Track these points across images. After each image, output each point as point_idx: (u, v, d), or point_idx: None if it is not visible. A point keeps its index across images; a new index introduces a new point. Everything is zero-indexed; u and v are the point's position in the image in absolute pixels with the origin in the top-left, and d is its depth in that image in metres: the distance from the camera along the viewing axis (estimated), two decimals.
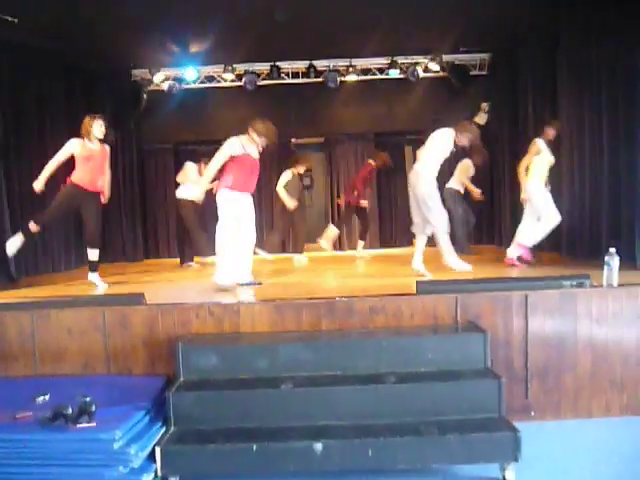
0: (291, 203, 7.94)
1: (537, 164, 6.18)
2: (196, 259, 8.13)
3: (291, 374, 3.72)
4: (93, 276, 5.96)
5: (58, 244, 7.83)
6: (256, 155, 5.68)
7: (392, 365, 3.78)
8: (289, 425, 3.46)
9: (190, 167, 7.94)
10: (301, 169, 8.12)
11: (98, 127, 5.79)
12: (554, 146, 6.33)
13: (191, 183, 7.73)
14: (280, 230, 8.41)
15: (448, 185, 8.08)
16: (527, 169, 6.23)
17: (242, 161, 5.51)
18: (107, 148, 6.00)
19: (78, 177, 5.79)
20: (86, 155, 5.77)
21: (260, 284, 5.56)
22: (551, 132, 6.27)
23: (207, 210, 7.47)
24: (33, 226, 5.85)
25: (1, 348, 4.27)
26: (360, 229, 8.90)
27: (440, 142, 5.67)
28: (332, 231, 8.55)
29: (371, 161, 8.36)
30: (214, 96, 9.49)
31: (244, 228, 5.53)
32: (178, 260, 8.26)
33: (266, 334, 4.16)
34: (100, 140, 5.86)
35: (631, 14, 5.30)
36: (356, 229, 9.34)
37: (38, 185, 5.78)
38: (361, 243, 8.71)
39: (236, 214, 5.45)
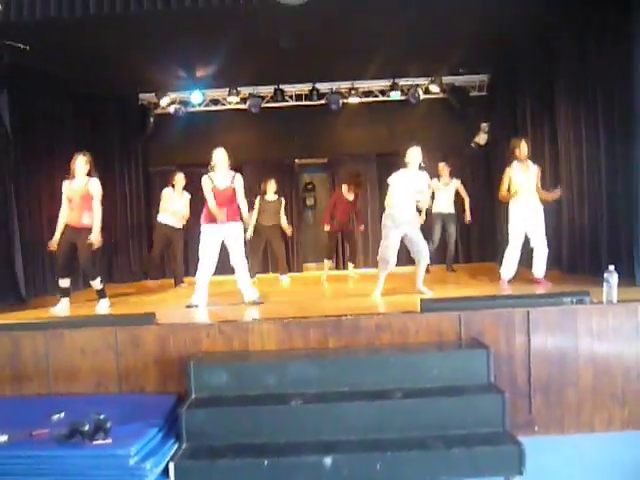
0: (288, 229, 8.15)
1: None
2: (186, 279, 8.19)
3: (300, 391, 3.83)
4: (103, 302, 6.04)
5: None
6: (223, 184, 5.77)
7: (398, 381, 3.90)
8: (299, 440, 3.57)
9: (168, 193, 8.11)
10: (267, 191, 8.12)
11: (79, 164, 5.86)
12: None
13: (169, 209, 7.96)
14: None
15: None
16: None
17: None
18: (93, 183, 5.90)
19: (67, 217, 5.91)
20: (67, 195, 5.90)
21: (261, 302, 5.67)
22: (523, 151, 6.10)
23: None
24: (63, 282, 5.99)
25: (16, 367, 4.39)
26: (349, 251, 8.99)
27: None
28: (327, 265, 8.56)
29: (343, 186, 8.37)
30: (219, 119, 9.64)
31: (230, 254, 5.70)
32: (152, 282, 8.29)
33: (275, 352, 4.27)
34: (88, 174, 5.89)
35: (626, 35, 5.46)
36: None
37: (54, 245, 5.90)
38: (350, 265, 8.73)
39: (208, 244, 5.63)
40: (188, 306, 5.56)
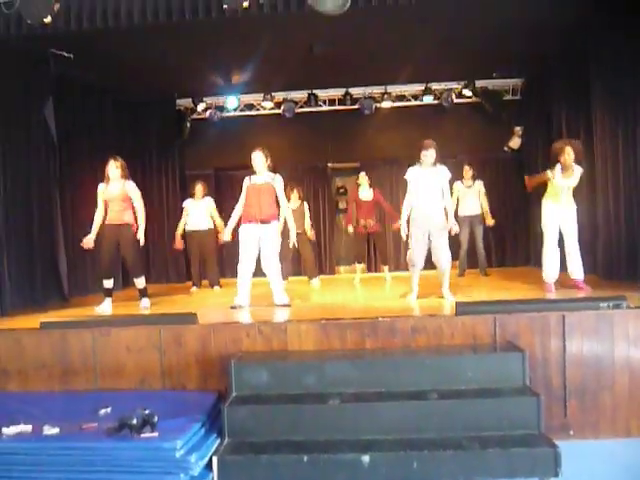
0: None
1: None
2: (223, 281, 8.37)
3: (338, 390, 3.93)
4: (145, 301, 6.23)
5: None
6: (259, 181, 5.84)
7: (434, 382, 3.96)
8: (337, 438, 3.66)
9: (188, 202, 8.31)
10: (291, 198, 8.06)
11: (111, 169, 6.04)
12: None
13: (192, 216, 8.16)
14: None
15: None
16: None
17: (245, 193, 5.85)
18: (129, 186, 6.10)
19: (108, 217, 6.08)
20: (104, 198, 6.08)
21: (289, 306, 5.69)
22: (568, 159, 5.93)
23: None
24: (107, 283, 6.08)
25: (64, 363, 4.58)
26: (379, 254, 9.01)
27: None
28: (358, 268, 8.59)
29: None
30: (253, 123, 9.83)
31: (262, 256, 5.74)
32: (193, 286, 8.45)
33: (313, 352, 4.38)
34: (123, 177, 6.07)
35: None
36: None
37: (90, 243, 6.02)
38: (385, 268, 8.65)
39: (244, 243, 5.71)
40: (232, 307, 5.64)
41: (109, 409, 3.99)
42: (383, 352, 4.32)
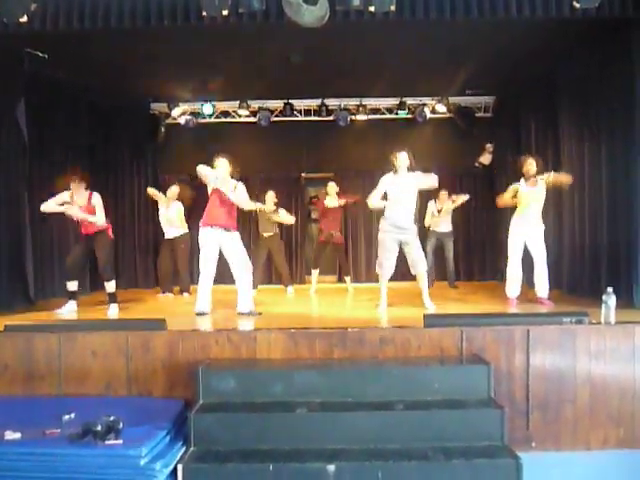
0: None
1: None
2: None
3: (305, 399, 3.94)
4: (114, 307, 6.22)
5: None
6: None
7: (401, 393, 4.01)
8: (303, 447, 3.67)
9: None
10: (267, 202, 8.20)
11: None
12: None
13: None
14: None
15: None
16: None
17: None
18: (95, 197, 6.31)
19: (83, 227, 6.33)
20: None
21: (260, 314, 5.70)
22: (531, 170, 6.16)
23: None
24: (70, 285, 6.26)
25: (28, 367, 4.49)
26: (339, 264, 9.17)
27: None
28: (314, 275, 8.62)
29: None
30: (229, 131, 9.82)
31: (230, 263, 5.77)
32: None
33: (281, 361, 4.38)
34: (85, 188, 6.30)
35: (628, 60, 5.65)
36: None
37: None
38: (347, 278, 8.77)
39: (204, 247, 5.75)
40: (198, 314, 5.64)
41: (73, 415, 3.92)
42: (351, 362, 4.35)
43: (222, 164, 5.88)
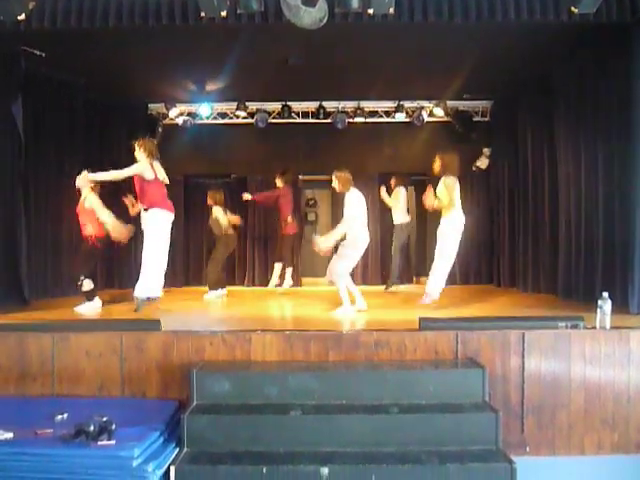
0: None
1: None
2: None
3: (299, 402, 3.93)
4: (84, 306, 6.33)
5: (68, 268, 8.03)
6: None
7: (395, 396, 4.00)
8: (297, 450, 3.66)
9: None
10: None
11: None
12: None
13: None
14: None
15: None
16: None
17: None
18: (87, 197, 6.39)
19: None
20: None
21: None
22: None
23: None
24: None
25: (21, 367, 4.47)
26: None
27: None
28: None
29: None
30: (226, 132, 9.79)
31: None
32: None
33: (276, 363, 4.37)
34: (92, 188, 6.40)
35: (624, 65, 5.67)
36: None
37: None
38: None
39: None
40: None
41: (65, 415, 3.90)
42: (346, 365, 4.34)
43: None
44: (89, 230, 6.36)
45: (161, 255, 5.95)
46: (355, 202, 5.95)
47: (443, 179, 6.27)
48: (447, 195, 6.15)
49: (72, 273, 6.43)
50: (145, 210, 6.03)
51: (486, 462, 3.54)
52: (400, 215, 8.85)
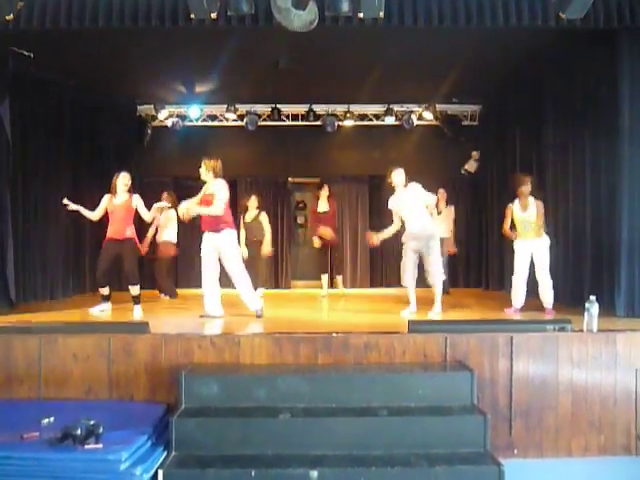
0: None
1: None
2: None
3: (289, 404, 3.92)
4: (137, 308, 6.20)
5: (56, 271, 7.99)
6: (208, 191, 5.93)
7: (384, 399, 4.00)
8: (286, 453, 3.65)
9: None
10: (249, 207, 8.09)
11: (121, 181, 6.27)
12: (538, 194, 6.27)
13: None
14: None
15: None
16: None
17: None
18: (134, 198, 6.32)
19: (109, 230, 6.26)
20: (110, 210, 6.27)
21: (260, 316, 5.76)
22: (524, 189, 6.09)
23: None
24: (103, 290, 6.29)
25: (7, 370, 4.42)
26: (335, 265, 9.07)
27: None
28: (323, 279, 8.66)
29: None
30: (216, 134, 9.79)
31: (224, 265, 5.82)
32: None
33: (265, 366, 4.35)
34: (128, 191, 6.31)
35: (611, 68, 5.75)
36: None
37: (71, 205, 6.27)
38: (339, 278, 8.85)
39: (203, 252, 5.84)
40: (201, 316, 5.71)
41: (52, 419, 3.85)
42: (335, 368, 4.33)
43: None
44: (130, 232, 6.23)
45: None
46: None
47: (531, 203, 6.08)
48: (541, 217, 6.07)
49: (131, 280, 6.19)
50: (217, 231, 5.76)
51: (474, 465, 3.55)
52: (445, 230, 8.48)
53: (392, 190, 6.19)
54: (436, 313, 5.96)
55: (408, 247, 6.05)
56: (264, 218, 7.92)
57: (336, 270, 8.92)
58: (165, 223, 8.01)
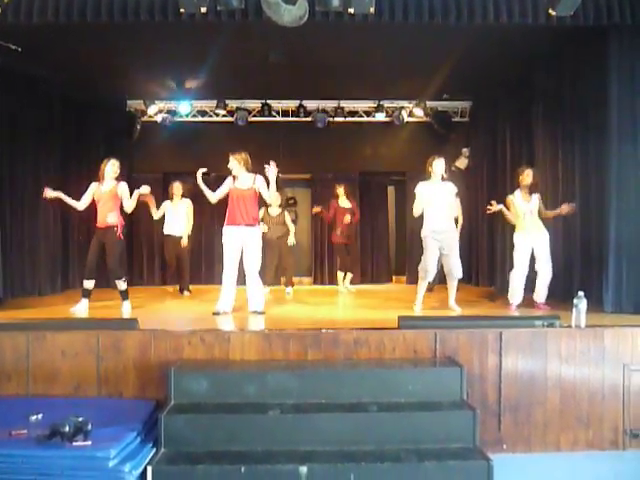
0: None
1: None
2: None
3: (278, 401, 3.92)
4: (126, 304, 6.11)
5: (45, 267, 7.93)
6: (242, 186, 5.88)
7: (374, 395, 4.01)
8: (276, 449, 3.65)
9: (166, 205, 8.21)
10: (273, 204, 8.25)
11: (110, 168, 6.08)
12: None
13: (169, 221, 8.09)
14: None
15: None
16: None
17: (229, 195, 5.86)
18: (120, 185, 6.14)
19: (97, 220, 6.07)
20: (97, 198, 6.07)
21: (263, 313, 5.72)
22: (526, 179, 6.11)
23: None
24: (87, 283, 6.02)
25: None
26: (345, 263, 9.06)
27: None
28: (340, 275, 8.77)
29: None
30: (206, 130, 9.74)
31: (243, 259, 5.77)
32: (171, 288, 8.42)
33: (255, 362, 4.35)
34: (116, 179, 6.13)
35: (601, 65, 5.77)
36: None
37: (50, 192, 6.02)
38: (349, 275, 8.85)
39: (227, 247, 5.73)
40: (214, 313, 5.64)
41: (40, 415, 3.81)
42: (325, 363, 4.34)
43: (230, 161, 5.96)
44: (113, 219, 5.98)
45: None
46: None
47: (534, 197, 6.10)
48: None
49: (114, 275, 6.03)
50: (251, 226, 5.76)
51: (464, 460, 3.57)
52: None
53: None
54: (454, 306, 6.00)
55: (433, 244, 5.88)
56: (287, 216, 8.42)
57: (348, 268, 8.91)
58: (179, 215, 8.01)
